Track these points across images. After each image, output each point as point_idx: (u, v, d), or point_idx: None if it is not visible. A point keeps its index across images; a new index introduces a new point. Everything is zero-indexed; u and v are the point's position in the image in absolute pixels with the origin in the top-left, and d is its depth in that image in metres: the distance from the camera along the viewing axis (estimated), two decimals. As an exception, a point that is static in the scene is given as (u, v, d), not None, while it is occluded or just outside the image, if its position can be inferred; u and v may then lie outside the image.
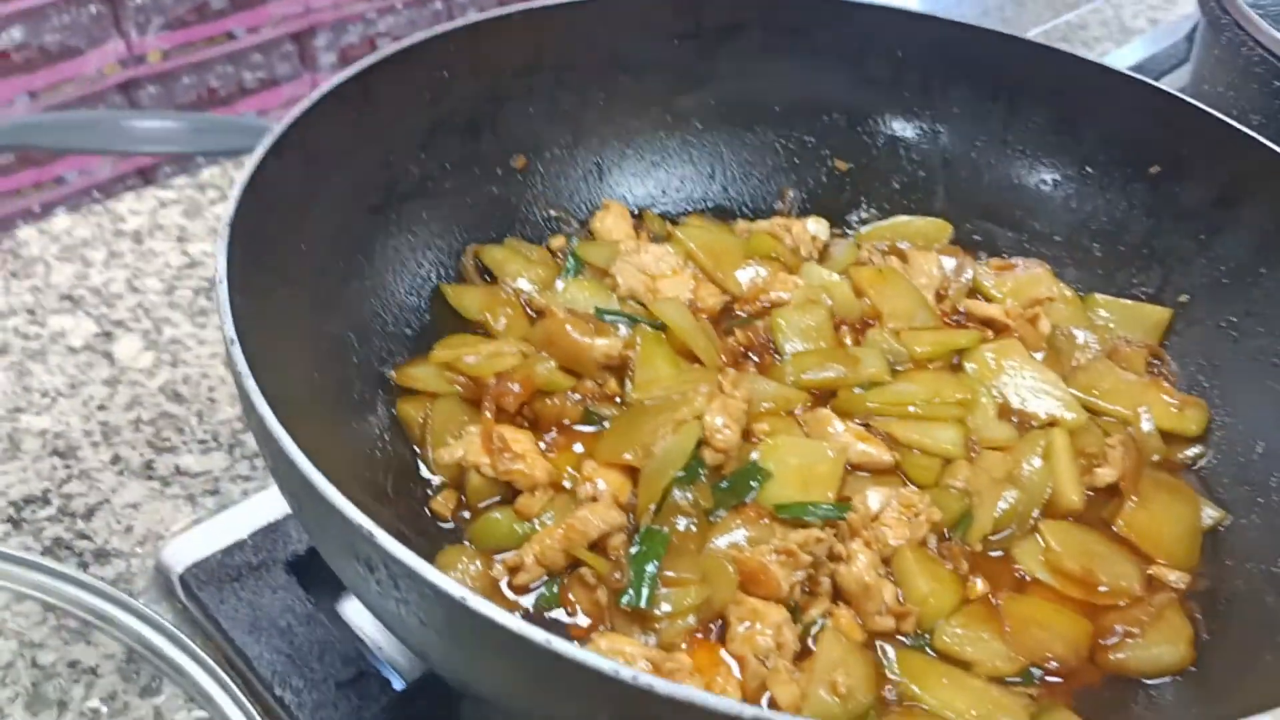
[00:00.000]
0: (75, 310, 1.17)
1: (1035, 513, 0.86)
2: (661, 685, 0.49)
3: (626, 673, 0.50)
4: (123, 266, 1.23)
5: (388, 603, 0.57)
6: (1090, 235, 1.06)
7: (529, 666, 0.52)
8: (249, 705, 0.82)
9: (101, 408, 1.06)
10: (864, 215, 1.11)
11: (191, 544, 0.91)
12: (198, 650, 0.85)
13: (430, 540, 0.81)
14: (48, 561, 0.90)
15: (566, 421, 0.88)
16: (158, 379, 1.10)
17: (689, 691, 0.49)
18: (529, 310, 0.97)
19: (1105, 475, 0.89)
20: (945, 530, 0.84)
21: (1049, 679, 0.77)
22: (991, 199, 1.09)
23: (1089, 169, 1.07)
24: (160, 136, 1.80)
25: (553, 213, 1.06)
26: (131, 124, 1.83)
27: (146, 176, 3.18)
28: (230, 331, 0.64)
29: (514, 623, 0.51)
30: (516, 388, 0.86)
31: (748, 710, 0.48)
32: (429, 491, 0.85)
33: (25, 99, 2.91)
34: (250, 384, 0.62)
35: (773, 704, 0.71)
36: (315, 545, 0.76)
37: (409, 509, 0.83)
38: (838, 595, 0.80)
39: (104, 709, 0.83)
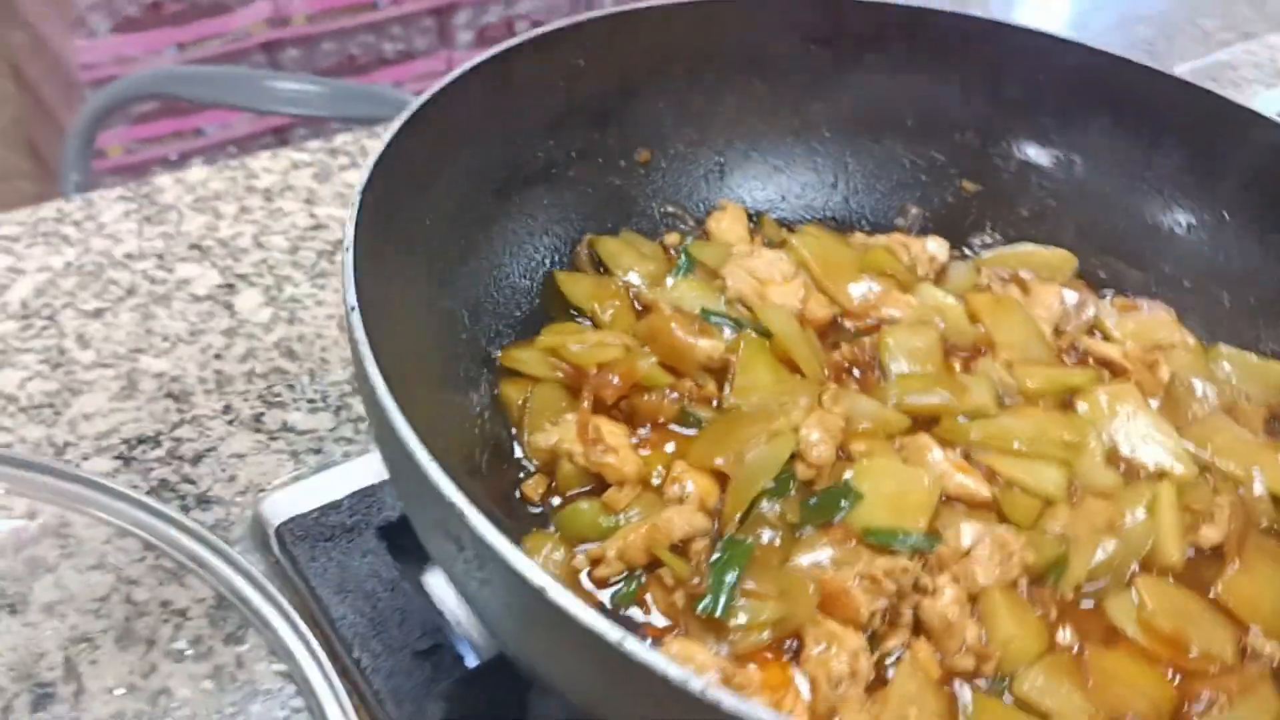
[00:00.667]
0: (202, 260, 1.20)
1: (1133, 566, 0.83)
2: (729, 700, 0.49)
3: (696, 683, 0.49)
4: (251, 222, 1.27)
5: (471, 581, 0.58)
6: (1221, 283, 1.02)
7: (599, 663, 0.52)
8: (328, 664, 0.84)
9: (218, 356, 1.10)
10: (987, 240, 1.09)
11: (290, 499, 0.94)
12: (284, 604, 0.87)
13: (518, 522, 0.82)
14: (152, 501, 0.93)
15: (662, 419, 0.88)
16: (274, 334, 1.13)
17: (757, 710, 0.48)
18: (636, 305, 0.97)
19: (1210, 535, 0.85)
20: (1038, 575, 0.82)
21: None
22: (1121, 236, 1.06)
23: (1226, 215, 1.03)
24: (299, 99, 1.84)
25: (670, 209, 1.06)
26: (272, 84, 1.87)
27: (281, 136, 3.27)
28: (352, 299, 0.66)
29: (590, 617, 0.51)
30: (616, 380, 0.86)
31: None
32: (520, 474, 0.85)
33: (173, 50, 3.02)
34: (365, 351, 0.63)
35: (843, 733, 0.71)
36: (408, 515, 0.77)
37: (500, 489, 0.84)
38: (918, 628, 0.78)
39: (189, 651, 0.86)
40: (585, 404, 0.86)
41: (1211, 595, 0.83)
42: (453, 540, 0.57)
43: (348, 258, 0.68)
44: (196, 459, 1.00)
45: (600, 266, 1.00)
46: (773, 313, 0.94)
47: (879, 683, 0.75)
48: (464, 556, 0.57)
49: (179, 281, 1.18)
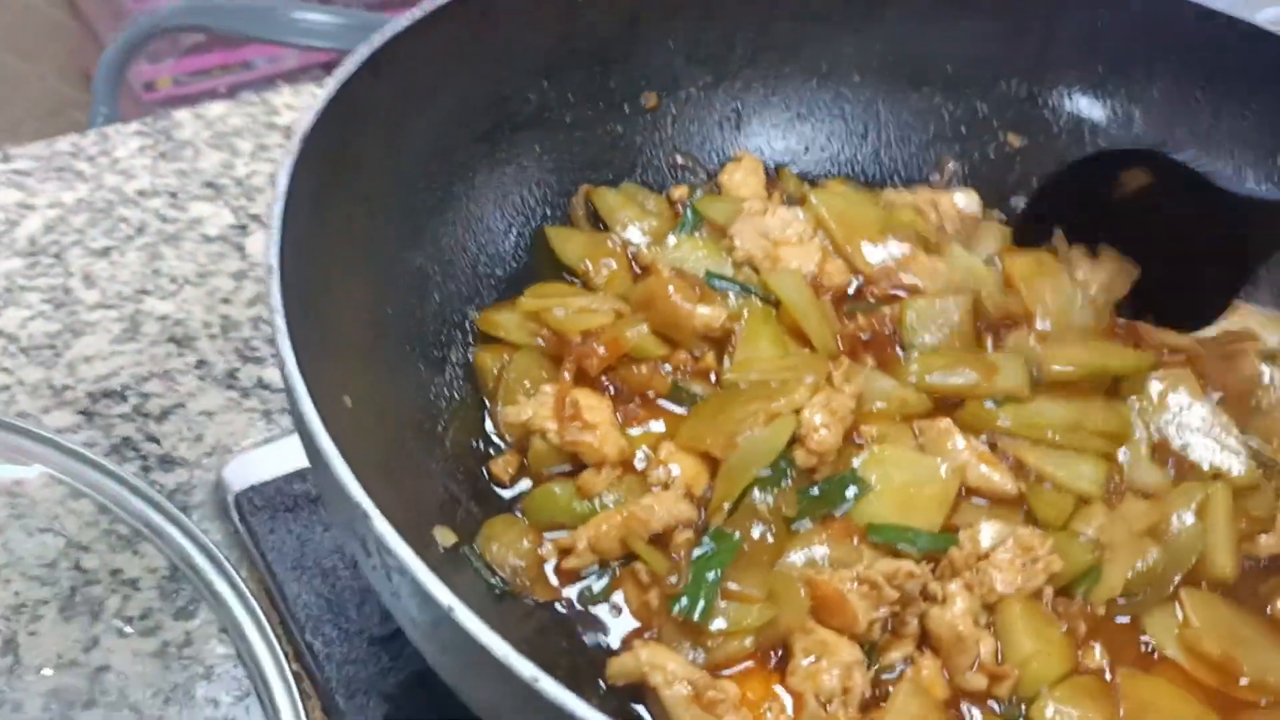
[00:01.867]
0: (216, 199, 1.15)
1: (1176, 578, 0.74)
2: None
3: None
4: (268, 160, 1.20)
5: (384, 592, 0.50)
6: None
7: (515, 699, 0.45)
8: (278, 647, 0.78)
9: (225, 300, 1.04)
10: (1022, 201, 0.98)
11: (255, 464, 0.88)
12: (238, 580, 0.81)
13: (484, 505, 0.74)
14: (109, 463, 0.87)
15: (652, 394, 0.79)
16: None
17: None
18: (635, 266, 0.88)
19: (1269, 545, 0.76)
20: (1065, 585, 0.73)
21: None
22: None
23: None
24: (321, 31, 1.77)
25: (679, 160, 0.97)
26: (296, 15, 1.80)
27: (331, 70, 3.20)
28: (274, 257, 0.58)
29: (500, 647, 0.43)
30: (602, 350, 0.78)
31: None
32: (492, 451, 0.78)
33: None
34: (280, 322, 0.55)
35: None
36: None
37: (467, 468, 0.76)
38: (925, 641, 0.70)
39: (134, 627, 0.80)
40: (566, 376, 0.78)
41: (1268, 613, 0.74)
42: (360, 543, 0.49)
43: (277, 209, 0.60)
44: (163, 415, 0.94)
45: (598, 222, 0.91)
46: (782, 278, 0.85)
47: (876, 701, 0.67)
48: (372, 564, 0.49)
49: (190, 221, 1.12)
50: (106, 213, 1.11)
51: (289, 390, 0.52)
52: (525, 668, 0.43)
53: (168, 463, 0.91)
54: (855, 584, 0.68)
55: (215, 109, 1.26)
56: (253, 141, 1.22)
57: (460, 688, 0.51)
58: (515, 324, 0.82)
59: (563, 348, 0.79)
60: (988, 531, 0.73)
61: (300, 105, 1.28)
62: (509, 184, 0.88)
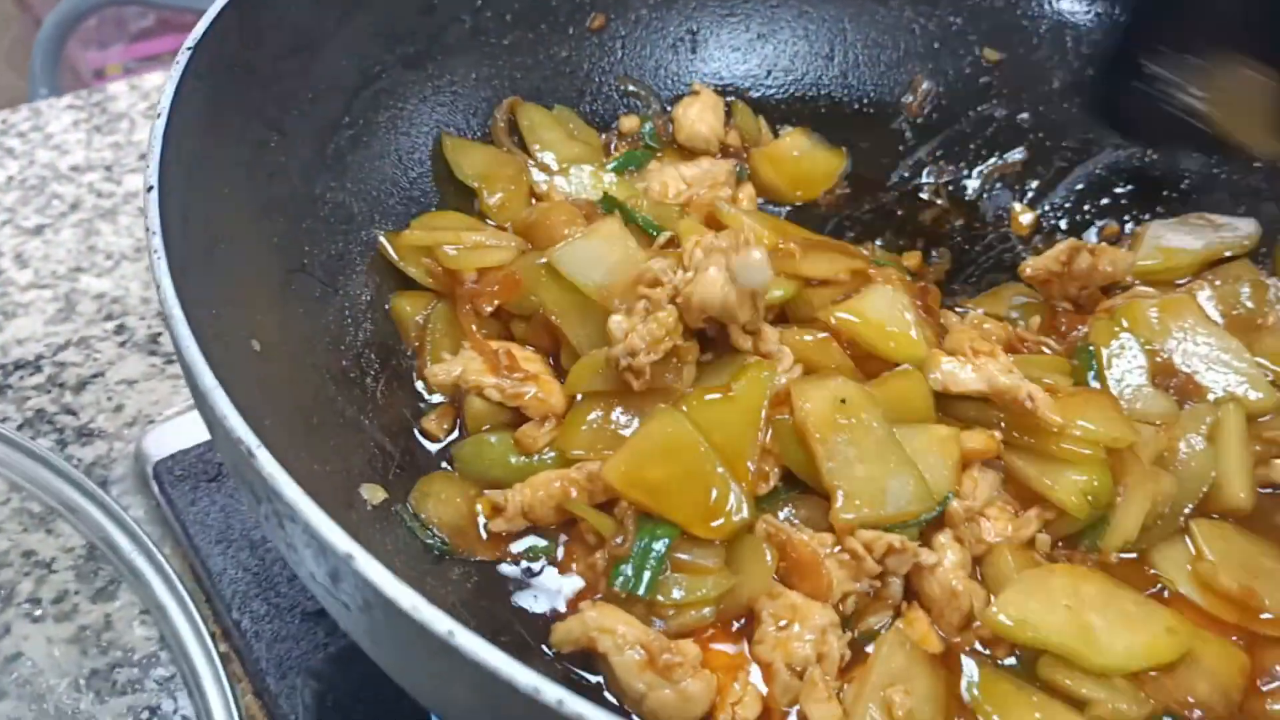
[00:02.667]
0: None
1: (1187, 509, 0.67)
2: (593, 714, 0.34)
3: (551, 694, 0.34)
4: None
5: (282, 547, 0.43)
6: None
7: (432, 658, 0.37)
8: (204, 628, 0.70)
9: None
10: (1000, 118, 0.91)
11: (175, 432, 0.80)
12: (159, 557, 0.74)
13: (418, 462, 0.67)
14: (20, 437, 0.79)
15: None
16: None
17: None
18: (533, 196, 0.80)
19: (1286, 470, 0.69)
20: (1073, 535, 0.66)
21: None
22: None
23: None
24: None
25: (631, 88, 0.89)
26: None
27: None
28: (153, 175, 0.51)
29: (407, 598, 0.36)
30: (495, 288, 0.70)
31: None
32: (421, 405, 0.70)
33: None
34: (157, 241, 0.48)
35: (804, 727, 0.55)
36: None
37: (401, 422, 0.68)
38: (911, 595, 0.63)
39: (51, 609, 0.73)
40: (471, 325, 0.69)
41: (1287, 542, 0.66)
42: (249, 488, 0.42)
43: (158, 126, 0.52)
44: (80, 386, 0.87)
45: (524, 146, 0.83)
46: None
47: (854, 666, 0.59)
48: (264, 513, 0.42)
49: (126, 194, 1.06)
50: (39, 189, 1.05)
51: (165, 316, 0.45)
52: (439, 621, 0.36)
53: (85, 435, 0.83)
54: (835, 549, 0.61)
55: (152, 79, 1.20)
56: (192, 110, 1.16)
57: (376, 655, 0.43)
58: (407, 253, 0.73)
59: (454, 285, 0.71)
60: (985, 480, 0.66)
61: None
62: (442, 112, 0.80)
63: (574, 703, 0.34)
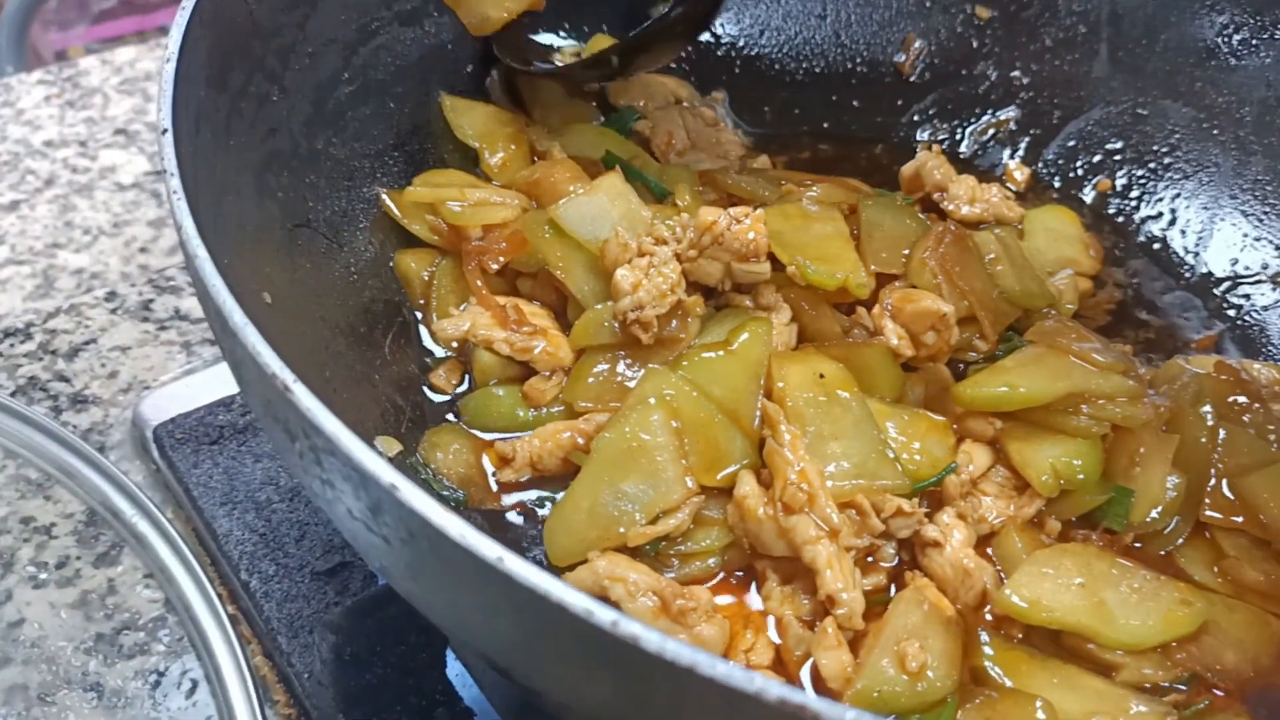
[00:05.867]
0: (129, 146, 1.07)
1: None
2: (652, 639, 0.34)
3: (604, 616, 0.34)
4: (185, 103, 1.12)
5: (313, 483, 0.43)
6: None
7: (478, 587, 0.37)
8: (211, 590, 0.70)
9: (144, 250, 0.96)
10: (993, 76, 0.91)
11: (173, 397, 0.79)
12: (163, 520, 0.73)
13: (428, 415, 0.67)
14: (15, 403, 0.78)
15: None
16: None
17: (687, 653, 0.33)
18: (534, 154, 0.80)
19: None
20: (1089, 512, 0.65)
21: (1215, 692, 0.59)
22: (1166, 64, 0.88)
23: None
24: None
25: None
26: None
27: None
28: (166, 117, 0.50)
29: (455, 526, 0.36)
30: (503, 245, 0.69)
31: (769, 689, 0.32)
32: (429, 360, 0.70)
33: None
34: (176, 183, 0.47)
35: (815, 676, 0.55)
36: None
37: (410, 377, 0.68)
38: (915, 564, 0.63)
39: (52, 575, 0.72)
40: (478, 282, 0.69)
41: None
42: (284, 428, 0.42)
43: (169, 67, 0.51)
44: (73, 353, 0.85)
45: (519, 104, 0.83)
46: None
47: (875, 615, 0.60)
48: (299, 451, 0.41)
49: (102, 169, 1.04)
50: (13, 165, 1.03)
51: (189, 257, 0.44)
52: (488, 547, 0.35)
53: (80, 402, 0.82)
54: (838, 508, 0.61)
55: (124, 54, 1.19)
56: (166, 84, 1.14)
57: (416, 592, 0.43)
58: (411, 210, 0.73)
59: (459, 242, 0.71)
60: (982, 454, 0.66)
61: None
62: (441, 73, 0.80)
63: (627, 624, 0.34)
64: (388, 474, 0.37)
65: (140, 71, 1.17)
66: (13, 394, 0.82)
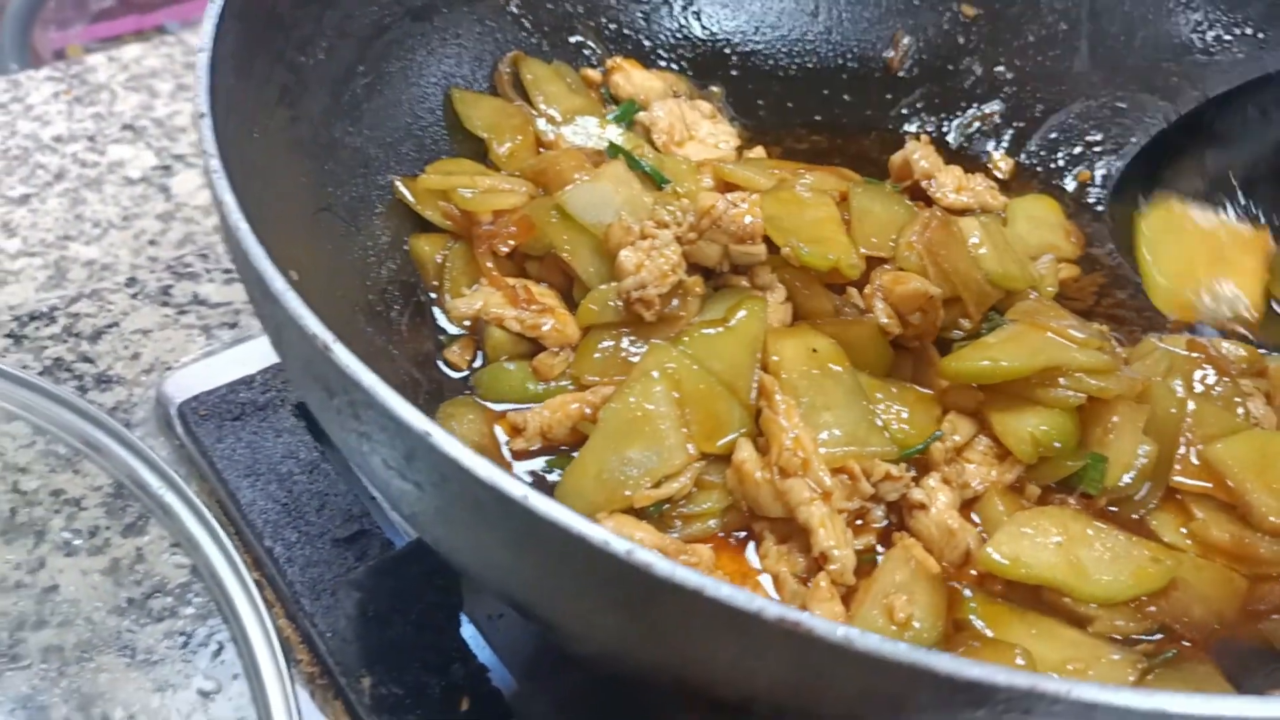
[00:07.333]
0: (136, 141, 1.09)
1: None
2: (663, 565, 0.38)
3: (620, 545, 0.38)
4: (189, 99, 1.15)
5: (349, 436, 0.47)
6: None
7: (507, 527, 0.41)
8: (236, 556, 0.73)
9: (153, 242, 0.99)
10: (978, 71, 0.95)
11: (196, 376, 0.83)
12: (188, 492, 0.76)
13: (443, 390, 0.71)
14: (43, 382, 0.82)
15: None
16: (215, 217, 1.01)
17: (695, 577, 0.37)
18: (540, 145, 0.84)
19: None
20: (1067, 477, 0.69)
21: (1182, 642, 0.63)
22: (1143, 60, 0.92)
23: (1264, 32, 0.89)
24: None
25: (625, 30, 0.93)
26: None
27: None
28: (204, 102, 0.54)
29: (485, 468, 0.40)
30: (512, 228, 0.73)
31: (769, 608, 0.36)
32: (442, 338, 0.74)
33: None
34: (216, 164, 0.51)
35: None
36: (284, 364, 0.64)
37: (425, 353, 0.72)
38: (904, 525, 0.67)
39: (83, 544, 0.75)
40: (488, 264, 0.73)
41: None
42: (323, 386, 0.46)
43: (202, 57, 0.55)
44: (96, 336, 0.89)
45: (525, 96, 0.87)
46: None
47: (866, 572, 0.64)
48: (336, 405, 0.45)
49: (111, 164, 1.07)
50: (23, 160, 1.06)
51: (230, 230, 0.48)
52: (515, 486, 0.39)
53: (104, 382, 0.86)
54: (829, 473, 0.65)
55: (130, 51, 1.21)
56: (172, 82, 1.17)
57: (444, 536, 0.47)
58: (424, 196, 0.77)
59: (470, 226, 0.75)
60: (964, 426, 0.70)
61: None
62: (450, 66, 0.84)
63: (641, 552, 0.38)
64: (421, 422, 0.41)
65: (146, 69, 1.19)
66: (40, 374, 0.86)
